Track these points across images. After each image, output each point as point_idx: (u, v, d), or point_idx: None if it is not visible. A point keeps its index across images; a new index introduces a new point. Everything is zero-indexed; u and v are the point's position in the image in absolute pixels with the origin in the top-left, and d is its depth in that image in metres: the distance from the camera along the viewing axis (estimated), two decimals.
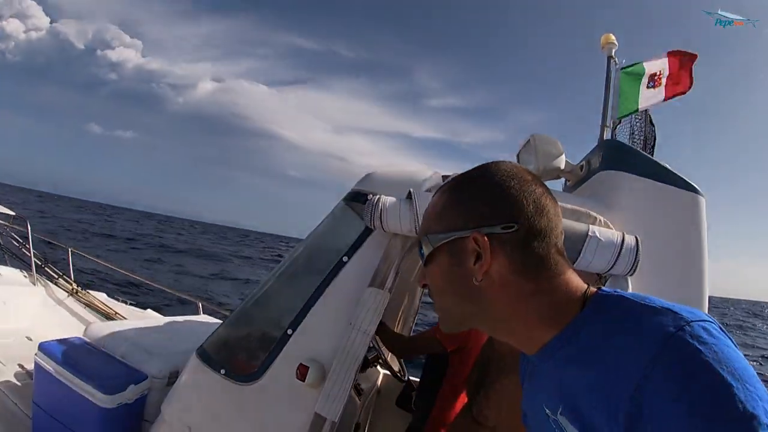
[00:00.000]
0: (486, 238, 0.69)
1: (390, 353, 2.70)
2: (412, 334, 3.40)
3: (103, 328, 2.43)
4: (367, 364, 2.60)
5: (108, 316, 3.88)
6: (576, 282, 0.72)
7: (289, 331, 1.65)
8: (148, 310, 4.32)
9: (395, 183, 1.69)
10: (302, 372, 1.54)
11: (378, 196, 1.58)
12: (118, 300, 4.39)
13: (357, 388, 2.48)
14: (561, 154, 2.05)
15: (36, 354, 2.07)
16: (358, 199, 1.69)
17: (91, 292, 4.09)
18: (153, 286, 5.21)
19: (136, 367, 2.14)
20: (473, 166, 0.80)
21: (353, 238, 1.66)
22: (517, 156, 2.30)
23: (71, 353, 2.10)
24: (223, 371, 1.72)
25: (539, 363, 0.74)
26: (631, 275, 1.48)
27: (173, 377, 2.14)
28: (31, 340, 3.12)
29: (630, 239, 1.47)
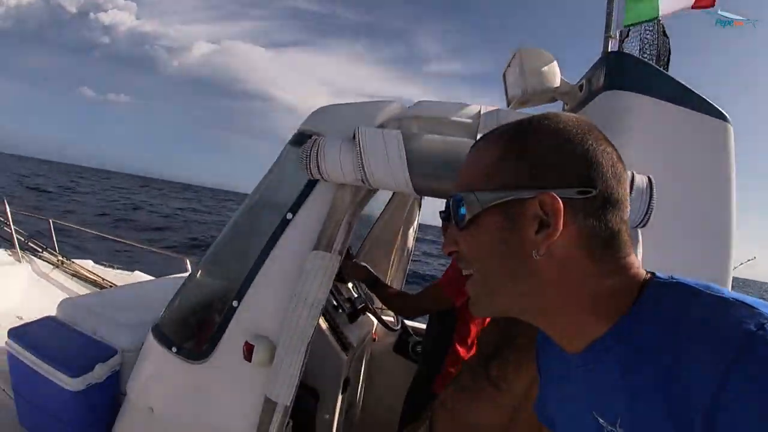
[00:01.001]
0: (560, 201, 0.56)
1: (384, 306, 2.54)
2: (407, 275, 3.23)
3: (74, 304, 2.30)
4: (356, 314, 2.47)
5: (95, 284, 3.83)
6: (637, 266, 0.60)
7: (234, 303, 1.44)
8: (136, 272, 4.25)
9: (347, 119, 1.38)
10: (248, 350, 1.35)
11: (316, 138, 1.29)
12: (104, 265, 4.32)
13: (343, 343, 2.32)
14: (554, 72, 1.72)
15: (6, 342, 1.97)
16: (303, 141, 1.39)
17: (76, 261, 4.04)
18: (139, 247, 5.16)
19: (107, 342, 2.01)
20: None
21: (298, 190, 1.40)
22: (503, 76, 1.97)
23: (40, 336, 2.01)
24: (174, 349, 1.57)
25: (582, 363, 0.62)
26: (642, 227, 1.17)
27: None
28: (21, 318, 3.07)
29: (641, 180, 1.15)
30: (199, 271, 1.74)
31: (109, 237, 5.11)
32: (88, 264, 4.12)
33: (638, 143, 1.35)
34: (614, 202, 0.59)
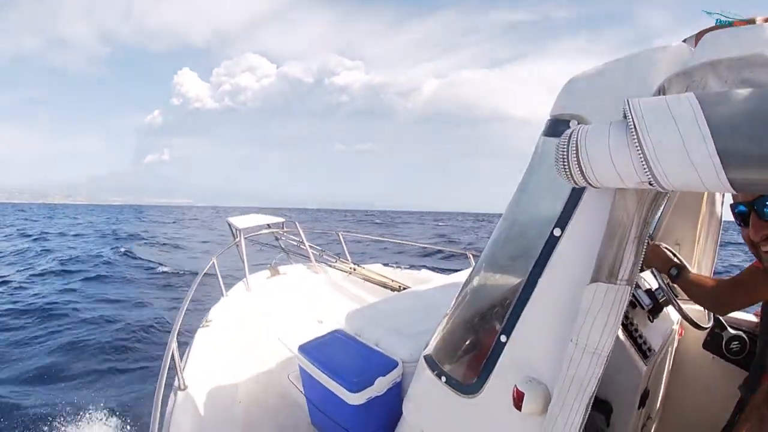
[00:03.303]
0: None
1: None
2: (718, 251, 2.43)
3: (359, 315, 2.43)
4: (658, 309, 2.04)
5: (385, 286, 4.12)
6: None
7: (503, 338, 1.23)
8: (423, 271, 4.42)
9: (611, 89, 0.98)
10: (518, 397, 1.12)
11: (573, 129, 0.88)
12: (393, 267, 4.62)
13: (641, 349, 1.88)
14: None
15: (296, 356, 2.18)
16: (558, 131, 1.02)
17: (366, 266, 4.44)
18: (424, 247, 5.48)
19: (388, 353, 2.07)
20: None
21: (563, 198, 1.07)
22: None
23: (324, 351, 2.17)
24: (443, 378, 1.46)
25: None
26: None
27: None
28: (322, 322, 3.51)
29: None
30: (464, 297, 1.57)
31: (394, 240, 5.62)
32: (377, 267, 4.51)
33: None
34: None
